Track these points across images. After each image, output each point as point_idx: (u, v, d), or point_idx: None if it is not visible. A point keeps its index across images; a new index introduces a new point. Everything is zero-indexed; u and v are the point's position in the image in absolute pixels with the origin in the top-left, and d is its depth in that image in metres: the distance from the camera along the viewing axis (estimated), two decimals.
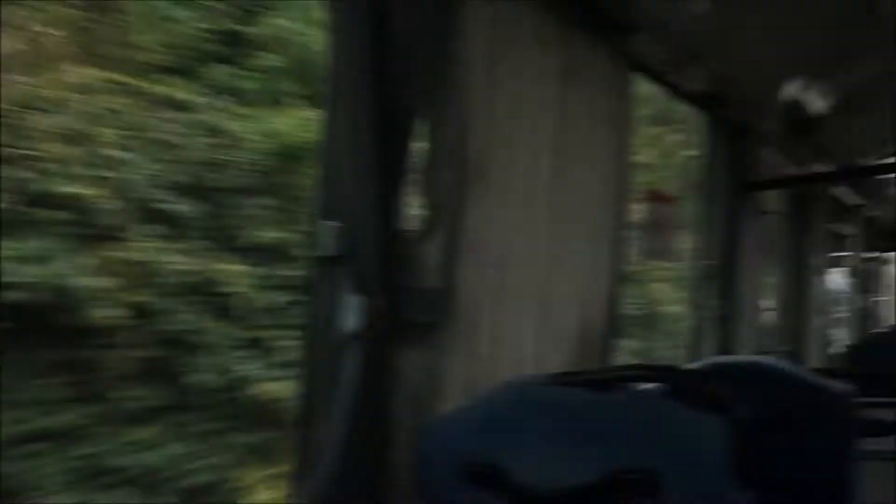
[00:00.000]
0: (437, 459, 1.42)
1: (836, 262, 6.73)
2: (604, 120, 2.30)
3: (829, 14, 3.25)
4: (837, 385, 2.20)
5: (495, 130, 1.84)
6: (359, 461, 1.55)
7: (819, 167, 4.63)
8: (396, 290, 1.61)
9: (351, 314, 1.55)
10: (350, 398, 1.54)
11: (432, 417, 1.62)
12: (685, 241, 3.72)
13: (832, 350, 5.50)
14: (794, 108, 4.21)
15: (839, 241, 6.42)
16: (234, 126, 4.68)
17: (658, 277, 6.81)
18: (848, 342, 6.31)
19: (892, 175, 5.56)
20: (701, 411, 1.38)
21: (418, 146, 1.73)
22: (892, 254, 7.83)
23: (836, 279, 6.73)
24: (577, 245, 2.22)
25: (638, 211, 2.93)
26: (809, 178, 4.47)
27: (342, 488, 1.54)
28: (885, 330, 5.54)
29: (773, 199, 4.74)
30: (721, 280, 3.49)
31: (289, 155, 4.77)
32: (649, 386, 2.03)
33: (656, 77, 2.70)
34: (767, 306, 4.70)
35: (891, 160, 5.02)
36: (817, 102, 4.16)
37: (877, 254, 7.69)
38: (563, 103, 2.08)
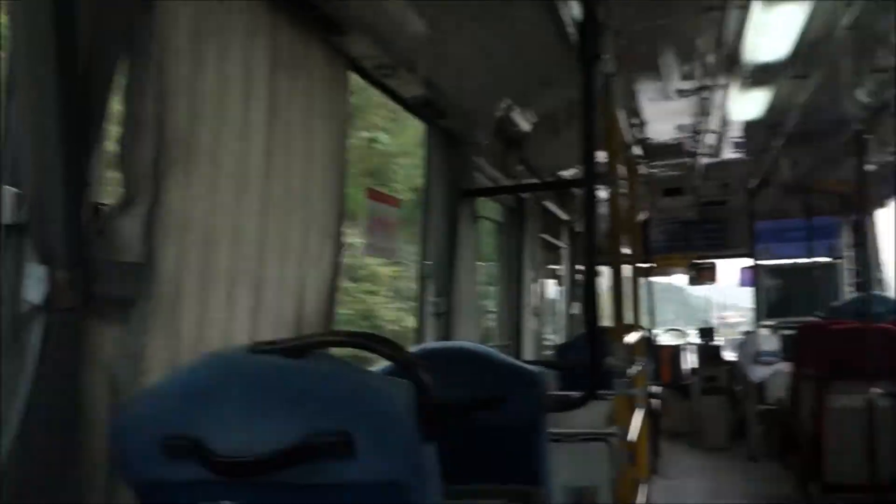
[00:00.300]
0: (135, 434, 1.38)
1: (552, 272, 7.42)
2: (321, 114, 2.36)
3: (530, 43, 3.64)
4: (533, 368, 2.45)
5: (200, 111, 1.82)
6: (45, 439, 1.47)
7: (528, 179, 5.10)
8: (88, 262, 1.55)
9: (35, 285, 1.47)
10: (34, 373, 1.45)
11: (131, 394, 1.57)
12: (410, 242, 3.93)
13: (545, 347, 6.08)
14: (505, 124, 4.62)
15: (554, 253, 7.10)
16: None
17: (380, 274, 7.00)
18: (558, 342, 7.00)
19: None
20: (391, 375, 1.47)
21: (115, 120, 1.68)
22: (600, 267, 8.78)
23: (552, 287, 7.42)
24: (293, 233, 2.25)
25: (362, 208, 3.05)
26: (518, 188, 4.89)
27: (25, 470, 1.44)
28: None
29: (491, 209, 5.14)
30: (440, 279, 3.72)
31: None
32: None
33: (373, 80, 2.83)
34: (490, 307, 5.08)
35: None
36: (524, 121, 4.60)
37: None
38: (275, 92, 2.11)
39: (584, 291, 2.54)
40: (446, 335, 3.71)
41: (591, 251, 2.53)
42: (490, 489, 2.45)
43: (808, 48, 4.11)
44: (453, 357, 2.52)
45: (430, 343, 3.52)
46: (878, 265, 8.15)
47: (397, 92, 3.08)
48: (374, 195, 3.07)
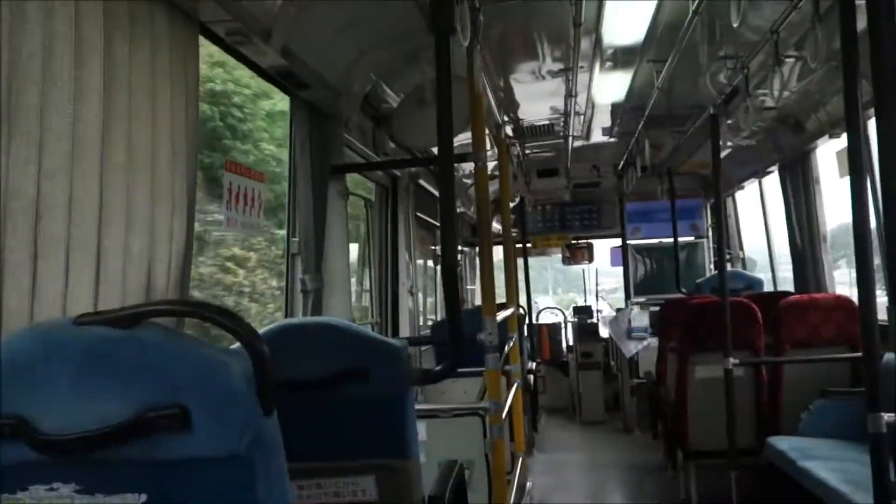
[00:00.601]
0: None
1: (431, 251, 7.46)
2: (168, 78, 2.27)
3: (393, 17, 3.63)
4: (396, 342, 2.46)
5: (23, 70, 1.71)
6: None
7: (402, 157, 5.10)
8: None
9: None
10: None
11: None
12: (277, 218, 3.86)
13: (423, 324, 6.12)
14: (374, 100, 4.60)
15: (432, 232, 7.13)
16: None
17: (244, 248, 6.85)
18: (436, 319, 7.07)
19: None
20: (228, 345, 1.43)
21: None
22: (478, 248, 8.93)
23: (430, 265, 7.46)
24: (138, 202, 2.15)
25: (224, 182, 2.96)
26: (385, 164, 4.88)
27: None
28: (467, 309, 6.29)
29: (365, 186, 5.11)
30: (309, 256, 3.66)
31: None
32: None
33: (227, 46, 2.75)
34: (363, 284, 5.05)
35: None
36: (393, 96, 4.59)
37: (465, 248, 8.75)
38: (113, 53, 2.01)
39: (443, 269, 2.56)
40: (316, 312, 3.68)
41: (448, 229, 2.54)
42: (358, 464, 2.45)
43: (662, 33, 4.28)
44: (315, 332, 2.50)
45: (292, 318, 3.48)
46: (737, 244, 8.65)
47: (254, 61, 3.00)
48: (234, 168, 2.99)
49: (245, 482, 1.35)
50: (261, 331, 2.46)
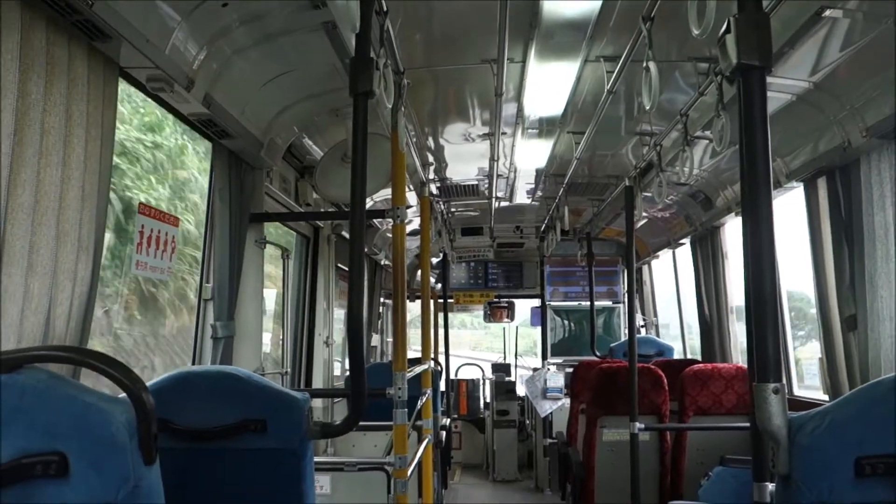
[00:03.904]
0: None
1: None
2: (83, 121, 2.27)
3: (315, 74, 3.71)
4: (297, 394, 2.46)
5: None
6: None
7: (327, 209, 5.14)
8: None
9: None
10: None
11: None
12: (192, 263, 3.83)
13: (340, 374, 6.08)
14: (298, 151, 4.65)
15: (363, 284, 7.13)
16: None
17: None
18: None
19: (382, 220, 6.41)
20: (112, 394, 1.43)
21: None
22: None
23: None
24: (41, 244, 2.13)
25: (136, 225, 2.94)
26: (303, 216, 4.91)
27: None
28: (382, 363, 6.30)
29: (283, 236, 5.12)
30: (222, 303, 3.64)
31: None
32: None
33: (147, 92, 2.77)
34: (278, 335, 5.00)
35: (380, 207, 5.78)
36: (315, 149, 4.66)
37: (383, 299, 8.76)
38: (28, 94, 2.02)
39: (347, 323, 2.58)
40: (226, 360, 3.64)
41: (355, 284, 2.59)
42: None
43: (581, 107, 4.48)
44: (217, 381, 2.48)
45: (193, 367, 3.43)
46: (651, 310, 8.91)
47: (176, 107, 3.02)
48: (148, 211, 2.98)
49: None
50: (162, 377, 2.44)
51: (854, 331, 3.98)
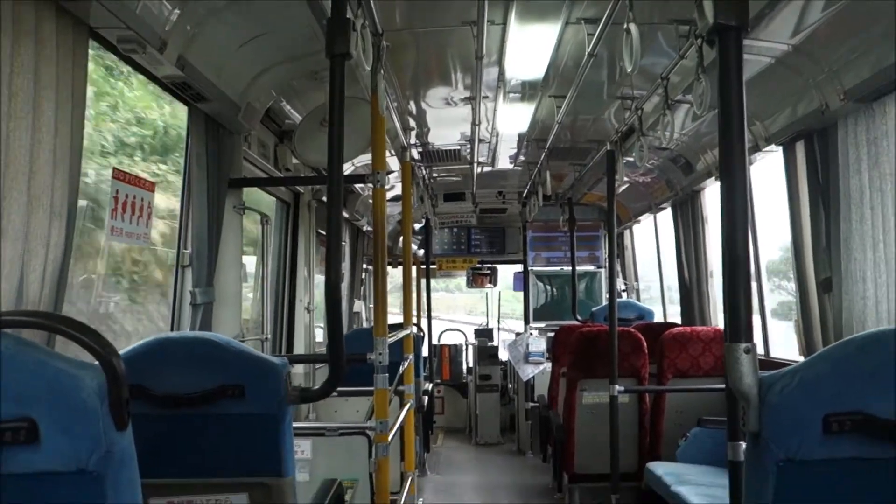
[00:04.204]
0: None
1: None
2: (52, 84, 2.23)
3: (293, 36, 3.66)
4: (275, 359, 2.46)
5: None
6: None
7: (307, 174, 5.10)
8: None
9: None
10: None
11: None
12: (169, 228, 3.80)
13: (320, 341, 6.10)
14: (277, 116, 4.60)
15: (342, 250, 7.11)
16: None
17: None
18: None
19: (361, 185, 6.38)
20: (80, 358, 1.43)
21: None
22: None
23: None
24: (12, 209, 2.11)
25: (111, 190, 2.91)
26: (282, 180, 4.87)
27: None
28: (364, 328, 6.32)
29: (266, 201, 5.08)
30: (201, 269, 3.62)
31: None
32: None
33: (119, 54, 2.71)
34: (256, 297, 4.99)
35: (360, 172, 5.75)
36: (294, 114, 4.61)
37: (366, 265, 8.76)
38: None
39: (326, 289, 2.58)
40: (205, 326, 3.63)
41: (334, 249, 2.57)
42: (231, 482, 2.44)
43: (562, 71, 4.46)
44: (194, 347, 2.48)
45: (170, 333, 3.43)
46: (633, 275, 8.97)
47: (149, 70, 2.97)
48: (122, 176, 2.94)
49: (94, 497, 1.35)
50: (138, 343, 2.43)
51: (829, 293, 4.03)
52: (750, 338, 1.67)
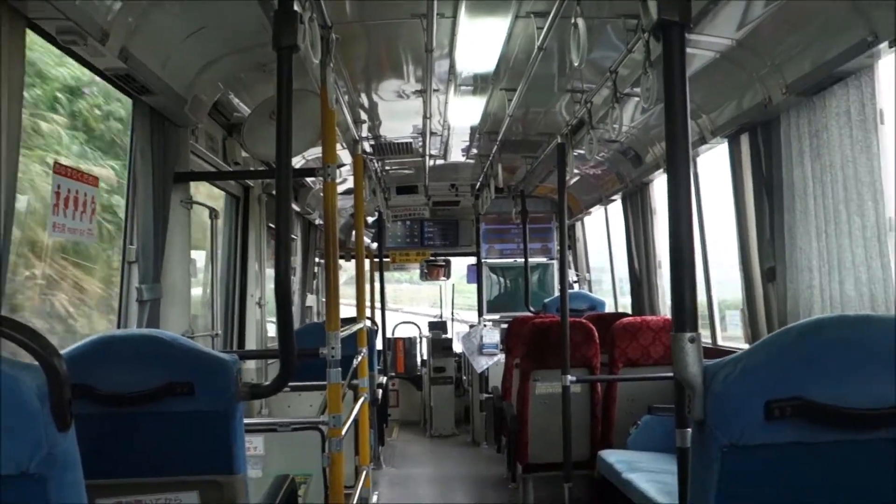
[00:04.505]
0: None
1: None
2: None
3: (240, 28, 3.61)
4: (224, 356, 2.44)
5: None
6: None
7: (257, 167, 5.03)
8: None
9: None
10: None
11: None
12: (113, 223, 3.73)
13: (272, 336, 6.04)
14: (225, 109, 4.53)
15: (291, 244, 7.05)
16: None
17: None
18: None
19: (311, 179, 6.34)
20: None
21: None
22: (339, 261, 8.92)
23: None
24: None
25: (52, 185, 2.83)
26: (231, 175, 4.80)
27: None
28: (316, 322, 6.28)
29: (212, 196, 5.01)
30: (147, 265, 3.56)
31: None
32: None
33: (62, 46, 2.64)
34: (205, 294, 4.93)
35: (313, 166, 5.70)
36: (243, 107, 4.55)
37: (318, 259, 8.69)
38: None
39: (275, 284, 2.56)
40: (152, 323, 3.57)
41: (283, 243, 2.55)
42: (181, 480, 2.41)
43: (513, 64, 4.48)
44: (140, 345, 2.44)
45: (117, 330, 3.37)
46: (584, 266, 9.07)
47: (90, 61, 2.90)
48: (64, 171, 2.87)
49: (37, 500, 1.32)
50: (83, 342, 2.39)
51: (773, 282, 4.13)
52: (695, 327, 1.70)
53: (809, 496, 1.66)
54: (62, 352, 2.24)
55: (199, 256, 5.08)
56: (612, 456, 4.73)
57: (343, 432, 3.52)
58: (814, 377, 1.63)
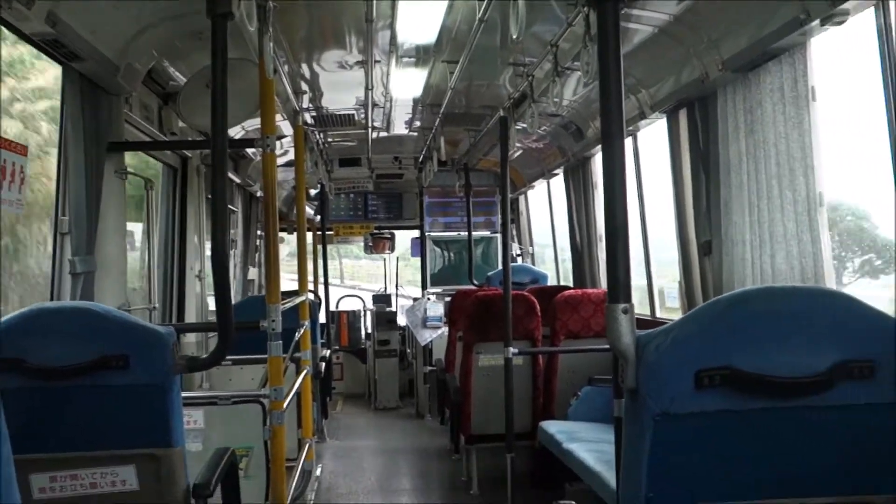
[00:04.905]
0: None
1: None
2: None
3: (173, 1, 3.52)
4: (160, 328, 2.40)
5: None
6: None
7: (194, 138, 4.93)
8: None
9: None
10: None
11: None
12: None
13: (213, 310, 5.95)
14: (160, 77, 4.41)
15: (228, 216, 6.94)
16: None
17: None
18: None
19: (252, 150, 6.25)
20: None
21: None
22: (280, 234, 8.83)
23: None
24: None
25: None
26: (166, 144, 4.69)
27: None
28: (258, 296, 6.22)
29: (152, 167, 4.89)
30: (80, 237, 3.46)
31: None
32: None
33: None
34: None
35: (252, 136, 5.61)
36: (178, 76, 4.43)
37: (261, 232, 8.57)
38: None
39: (212, 256, 2.53)
40: (86, 296, 3.48)
41: (220, 213, 2.51)
42: (117, 454, 2.38)
43: (455, 36, 4.46)
44: (73, 317, 2.39)
45: (48, 302, 3.28)
46: (528, 240, 9.16)
47: (15, 25, 2.78)
48: None
49: None
50: (12, 314, 2.32)
51: (709, 255, 4.24)
52: (628, 298, 1.73)
53: (739, 463, 1.72)
54: None
55: (138, 230, 4.96)
56: (552, 427, 4.81)
57: (285, 405, 3.52)
58: (741, 347, 1.69)
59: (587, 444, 4.33)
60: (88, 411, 2.37)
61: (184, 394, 2.56)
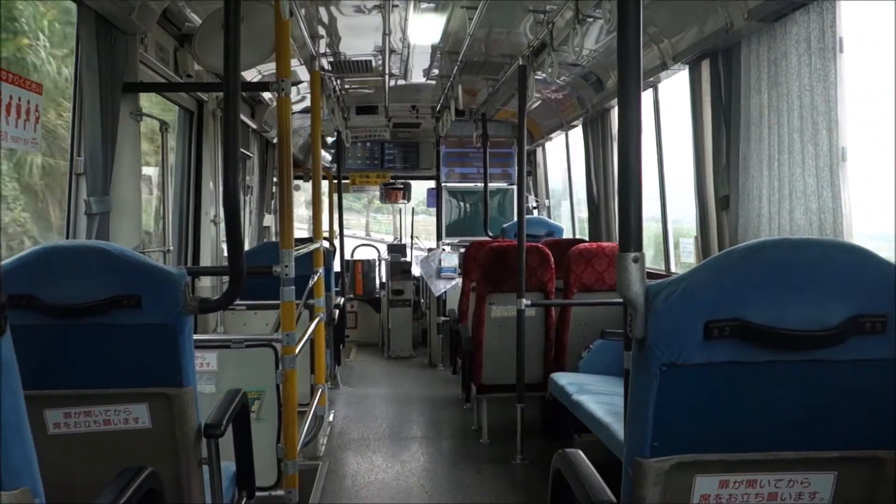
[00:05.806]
0: None
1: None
2: None
3: None
4: (173, 269, 2.41)
5: None
6: None
7: (203, 78, 4.87)
8: None
9: None
10: None
11: None
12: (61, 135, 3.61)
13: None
14: (176, 17, 4.35)
15: (243, 162, 6.93)
16: None
17: None
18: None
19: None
20: None
21: None
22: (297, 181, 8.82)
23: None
24: None
25: None
26: (183, 86, 4.64)
27: None
28: (272, 241, 6.24)
29: (162, 108, 4.87)
30: (96, 177, 3.47)
31: None
32: None
33: None
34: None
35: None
36: (195, 16, 4.36)
37: (276, 178, 8.56)
38: None
39: (224, 200, 2.51)
40: (101, 236, 3.50)
41: (231, 157, 2.49)
42: (130, 392, 2.41)
43: None
44: (86, 256, 2.39)
45: (61, 241, 3.30)
46: (544, 192, 9.09)
47: None
48: (5, 76, 2.74)
49: None
50: (26, 251, 2.33)
51: (726, 210, 4.19)
52: (639, 247, 1.72)
53: (746, 414, 1.71)
54: (4, 262, 2.21)
55: (154, 174, 4.96)
56: (563, 378, 4.84)
57: (297, 350, 3.55)
58: (752, 298, 1.66)
59: (597, 397, 4.35)
60: (101, 350, 2.39)
61: (197, 336, 2.57)
